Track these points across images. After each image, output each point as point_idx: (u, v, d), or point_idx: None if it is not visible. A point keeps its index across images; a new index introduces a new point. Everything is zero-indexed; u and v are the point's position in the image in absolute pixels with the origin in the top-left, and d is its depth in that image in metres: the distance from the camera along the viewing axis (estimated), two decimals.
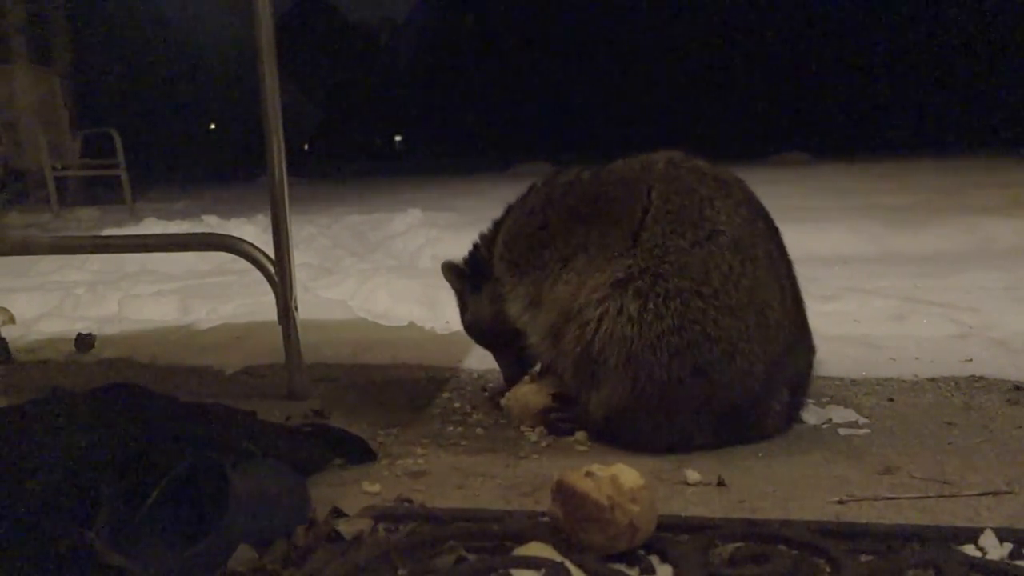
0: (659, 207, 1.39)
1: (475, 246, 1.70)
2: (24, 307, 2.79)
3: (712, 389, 1.33)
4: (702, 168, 1.45)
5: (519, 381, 1.62)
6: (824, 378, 1.74)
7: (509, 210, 1.63)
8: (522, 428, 1.51)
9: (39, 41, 7.81)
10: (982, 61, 14.91)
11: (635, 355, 1.34)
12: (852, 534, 1.03)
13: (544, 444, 1.44)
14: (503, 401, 1.59)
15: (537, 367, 1.65)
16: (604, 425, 1.41)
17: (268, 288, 1.79)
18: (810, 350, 1.46)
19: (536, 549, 0.96)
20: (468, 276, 1.68)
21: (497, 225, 1.65)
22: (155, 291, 2.93)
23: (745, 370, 1.34)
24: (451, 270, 1.70)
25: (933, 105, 15.37)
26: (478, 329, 1.70)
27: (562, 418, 1.48)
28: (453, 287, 1.73)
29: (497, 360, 1.73)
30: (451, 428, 1.54)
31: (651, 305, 1.33)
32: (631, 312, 1.34)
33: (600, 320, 1.38)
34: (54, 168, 6.86)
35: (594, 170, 1.53)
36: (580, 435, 1.45)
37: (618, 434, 1.40)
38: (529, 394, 1.55)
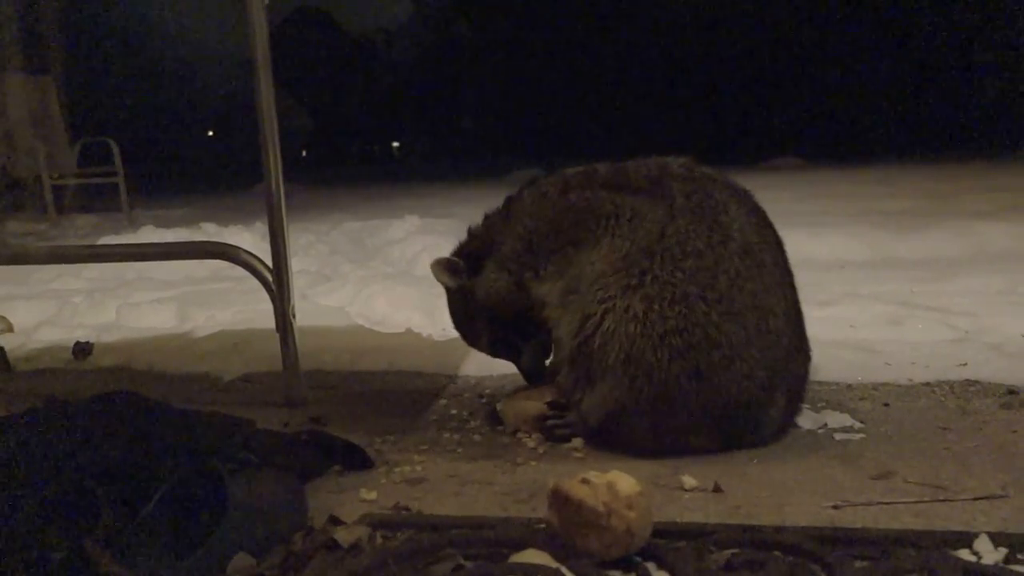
0: (682, 204, 1.40)
1: (469, 235, 1.66)
2: (22, 315, 2.79)
3: (711, 392, 1.34)
4: (713, 175, 1.47)
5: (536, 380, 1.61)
6: (820, 383, 1.75)
7: (512, 201, 1.61)
8: (519, 435, 1.51)
9: (35, 50, 7.82)
10: (974, 66, 14.98)
11: (636, 354, 1.34)
12: (847, 539, 1.03)
13: (541, 451, 1.44)
14: (499, 407, 1.59)
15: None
16: (600, 427, 1.41)
17: (266, 294, 1.79)
18: (807, 357, 1.47)
19: (533, 556, 0.96)
20: (463, 269, 1.61)
21: (503, 214, 1.61)
22: (153, 299, 2.93)
23: (745, 374, 1.34)
24: (445, 266, 1.62)
25: (926, 109, 15.42)
26: (493, 307, 1.59)
27: (558, 424, 1.48)
28: (447, 284, 1.65)
29: (518, 358, 1.65)
30: (448, 435, 1.54)
31: (656, 306, 1.34)
32: (636, 311, 1.35)
33: (603, 315, 1.38)
34: (51, 177, 6.87)
35: (606, 165, 1.53)
36: (577, 442, 1.45)
37: (614, 437, 1.40)
38: (525, 400, 1.56)
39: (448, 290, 1.67)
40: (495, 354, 1.69)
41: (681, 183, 1.43)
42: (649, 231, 1.38)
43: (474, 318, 1.65)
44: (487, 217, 1.65)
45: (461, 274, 1.62)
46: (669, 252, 1.36)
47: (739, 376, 1.34)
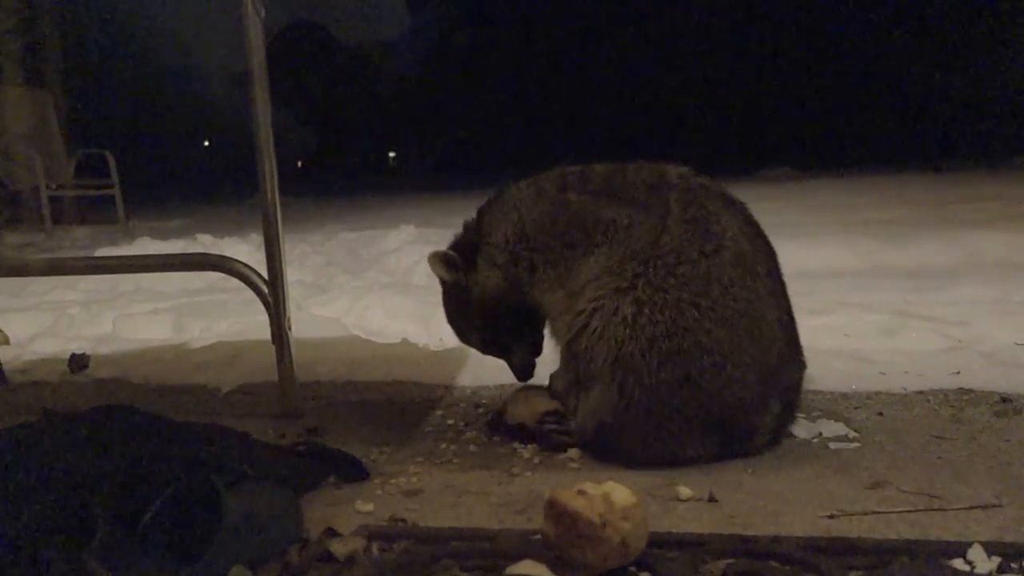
0: (677, 214, 1.41)
1: (465, 229, 1.64)
2: (18, 327, 2.79)
3: (702, 398, 1.34)
4: (708, 185, 1.48)
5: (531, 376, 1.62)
6: (814, 392, 1.76)
7: (505, 190, 1.59)
8: (515, 445, 1.51)
9: (32, 62, 7.84)
10: (966, 75, 15.08)
11: (624, 357, 1.35)
12: (842, 549, 1.04)
13: (537, 461, 1.44)
14: (505, 402, 1.59)
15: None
16: (595, 436, 1.42)
17: (262, 306, 1.79)
18: (801, 366, 1.48)
19: (529, 567, 0.96)
20: (459, 263, 1.60)
21: (495, 202, 1.59)
22: (149, 310, 2.93)
23: (737, 381, 1.35)
24: (441, 259, 1.60)
25: (919, 119, 15.52)
26: (486, 303, 1.59)
27: (556, 430, 1.48)
28: (442, 278, 1.64)
29: (508, 357, 1.65)
30: (444, 446, 1.55)
31: (646, 311, 1.35)
32: (626, 314, 1.35)
33: (592, 316, 1.38)
34: (48, 188, 6.88)
35: (604, 167, 1.53)
36: (572, 452, 1.45)
37: (609, 446, 1.40)
38: (535, 396, 1.55)
39: (443, 284, 1.66)
40: (486, 351, 1.69)
41: (677, 192, 1.44)
42: (643, 239, 1.39)
43: (467, 313, 1.64)
44: (480, 209, 1.64)
45: (457, 268, 1.60)
46: (662, 259, 1.37)
47: (731, 382, 1.34)
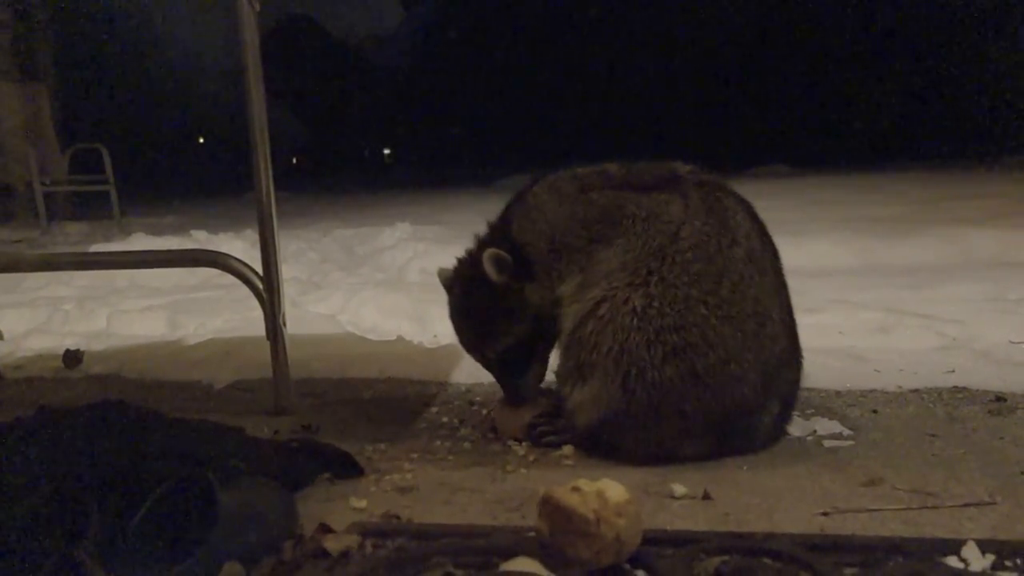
0: (697, 204, 1.40)
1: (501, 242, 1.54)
2: (12, 323, 2.78)
3: (706, 395, 1.34)
4: (719, 183, 1.48)
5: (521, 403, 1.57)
6: (809, 390, 1.76)
7: (521, 201, 1.55)
8: (509, 442, 1.51)
9: (25, 56, 7.81)
10: (962, 74, 15.13)
11: (629, 348, 1.34)
12: (836, 547, 1.04)
13: (531, 458, 1.44)
14: (492, 413, 1.59)
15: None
16: (592, 433, 1.41)
17: (257, 302, 1.79)
18: (800, 365, 1.48)
19: (523, 564, 0.96)
20: (510, 266, 1.49)
21: (507, 221, 1.55)
22: (143, 306, 2.92)
23: (739, 379, 1.35)
24: (495, 259, 1.49)
25: (914, 117, 15.57)
26: (536, 313, 1.51)
27: (546, 430, 1.48)
28: (491, 279, 1.49)
29: (504, 379, 1.58)
30: (439, 443, 1.54)
31: (656, 304, 1.35)
32: (635, 305, 1.35)
33: (600, 303, 1.38)
34: (42, 184, 6.85)
35: (617, 166, 1.52)
36: (567, 449, 1.45)
37: (607, 443, 1.40)
38: (519, 407, 1.55)
39: (471, 287, 1.55)
40: (503, 360, 1.56)
41: (692, 185, 1.44)
42: (663, 231, 1.38)
43: (497, 319, 1.53)
44: (504, 219, 1.56)
45: (507, 272, 1.49)
46: (681, 255, 1.36)
47: (734, 380, 1.34)
